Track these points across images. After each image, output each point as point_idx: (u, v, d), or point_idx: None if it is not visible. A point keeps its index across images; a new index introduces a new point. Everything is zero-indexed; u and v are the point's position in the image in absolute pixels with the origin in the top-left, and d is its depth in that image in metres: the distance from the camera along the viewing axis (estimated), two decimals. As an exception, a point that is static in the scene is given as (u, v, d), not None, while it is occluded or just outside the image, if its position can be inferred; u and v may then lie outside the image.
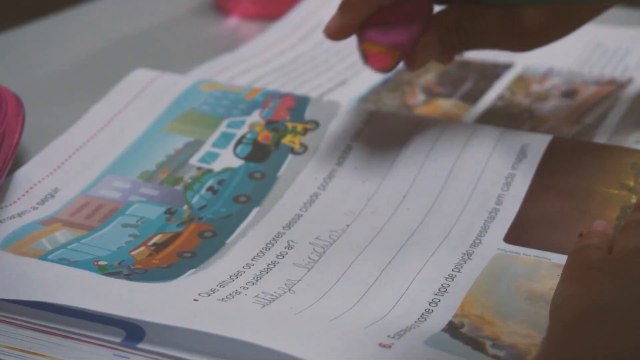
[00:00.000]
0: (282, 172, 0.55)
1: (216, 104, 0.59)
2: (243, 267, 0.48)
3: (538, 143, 0.54)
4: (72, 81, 0.70)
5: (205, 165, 0.55)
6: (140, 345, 0.42)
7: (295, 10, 0.78)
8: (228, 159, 0.56)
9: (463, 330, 0.44)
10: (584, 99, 0.64)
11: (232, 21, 0.80)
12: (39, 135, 0.60)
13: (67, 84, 0.70)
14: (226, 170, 0.55)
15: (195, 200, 0.53)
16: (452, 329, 0.44)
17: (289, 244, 0.50)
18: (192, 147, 0.57)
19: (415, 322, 0.44)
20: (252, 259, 0.49)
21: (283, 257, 0.49)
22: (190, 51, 0.75)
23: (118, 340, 0.43)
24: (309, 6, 0.78)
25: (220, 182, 0.54)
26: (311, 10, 0.78)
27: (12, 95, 0.58)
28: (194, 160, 0.56)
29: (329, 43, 0.74)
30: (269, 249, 0.50)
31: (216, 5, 0.82)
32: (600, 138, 0.59)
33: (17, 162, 0.57)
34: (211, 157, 0.56)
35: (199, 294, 0.46)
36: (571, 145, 0.55)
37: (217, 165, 0.55)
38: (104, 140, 0.57)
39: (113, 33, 0.78)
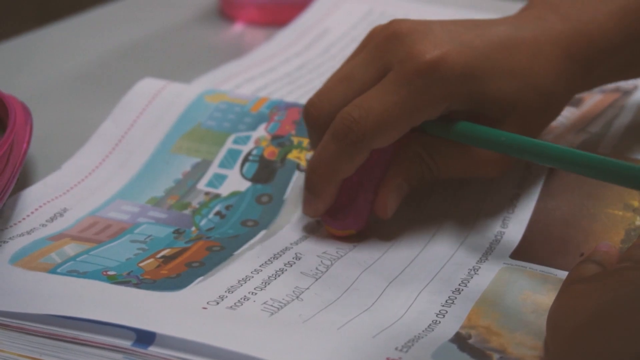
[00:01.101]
0: (288, 193, 0.55)
1: (222, 118, 0.60)
2: (251, 272, 0.49)
3: None
4: (78, 89, 0.70)
5: (213, 190, 0.56)
6: (151, 349, 0.43)
7: (301, 17, 0.78)
8: (235, 182, 0.56)
9: (470, 341, 0.44)
10: (589, 107, 0.64)
11: (238, 28, 0.81)
12: (46, 145, 0.60)
13: (73, 91, 0.70)
14: (234, 194, 0.55)
15: (203, 223, 0.54)
16: (460, 339, 0.44)
17: (296, 255, 0.50)
18: (200, 169, 0.57)
19: (423, 331, 0.44)
20: (260, 266, 0.49)
21: (291, 265, 0.50)
22: (196, 58, 0.75)
23: (128, 344, 0.43)
24: (314, 13, 0.79)
25: (227, 208, 0.54)
26: (317, 18, 0.78)
27: (19, 104, 0.58)
28: (202, 185, 0.56)
29: (335, 50, 0.74)
30: (277, 258, 0.50)
31: (222, 12, 0.82)
32: (606, 147, 0.59)
33: (25, 171, 0.57)
34: (218, 180, 0.56)
35: (207, 302, 0.46)
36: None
37: (224, 190, 0.56)
38: (112, 167, 0.57)
39: (119, 40, 0.78)
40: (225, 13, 0.82)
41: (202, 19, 0.82)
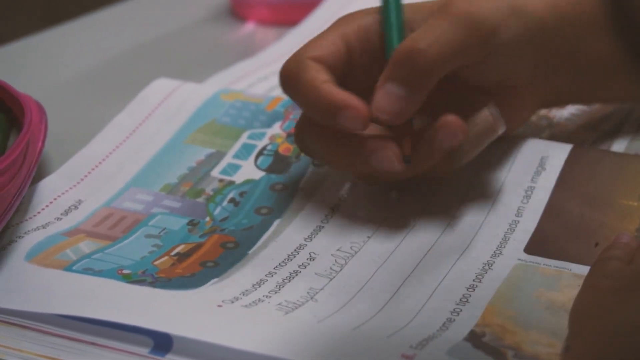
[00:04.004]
0: (303, 184, 0.55)
1: (237, 115, 0.60)
2: (265, 275, 0.49)
3: (557, 154, 0.55)
4: (91, 88, 0.71)
5: (226, 177, 0.56)
6: (169, 356, 0.43)
7: (311, 16, 0.78)
8: (249, 171, 0.56)
9: (485, 339, 0.44)
10: (601, 105, 0.64)
11: (249, 27, 0.81)
12: (60, 143, 0.60)
13: (86, 91, 0.70)
14: (248, 182, 0.55)
15: (217, 212, 0.54)
16: (474, 338, 0.44)
17: (310, 256, 0.50)
18: (214, 158, 0.57)
19: (437, 331, 0.44)
20: (274, 268, 0.49)
21: (305, 267, 0.50)
22: (207, 58, 0.75)
23: (146, 351, 0.43)
24: (325, 12, 0.79)
25: (241, 194, 0.55)
26: (328, 17, 0.78)
27: (35, 103, 0.59)
28: (216, 172, 0.56)
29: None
30: (291, 259, 0.50)
31: (232, 11, 0.82)
32: (619, 145, 0.59)
33: (40, 170, 0.58)
34: (233, 169, 0.56)
35: (222, 301, 0.46)
36: (590, 155, 0.55)
37: (238, 177, 0.56)
38: (126, 153, 0.58)
39: (131, 40, 0.78)
40: (236, 13, 0.82)
41: (213, 18, 0.82)
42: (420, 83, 0.50)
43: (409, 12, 0.53)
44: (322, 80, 0.50)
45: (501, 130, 0.51)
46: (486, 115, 0.51)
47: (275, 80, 0.69)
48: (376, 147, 0.50)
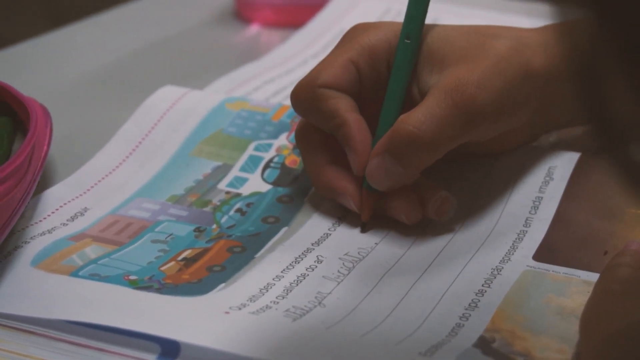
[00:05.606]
0: (309, 196, 0.55)
1: (243, 125, 0.60)
2: (273, 279, 0.48)
3: (565, 164, 0.55)
4: (96, 91, 0.70)
5: (233, 190, 0.56)
6: None
7: (317, 18, 0.78)
8: (256, 184, 0.56)
9: (494, 345, 0.44)
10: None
11: (254, 29, 0.81)
12: (65, 146, 0.60)
13: (91, 93, 0.70)
14: (254, 194, 0.55)
15: (224, 220, 0.53)
16: (484, 344, 0.44)
17: (318, 259, 0.50)
18: (221, 171, 0.57)
19: (446, 336, 0.44)
20: (281, 271, 0.49)
21: (313, 270, 0.49)
22: (212, 60, 0.75)
23: (154, 357, 0.43)
24: (331, 14, 0.78)
25: (248, 205, 0.54)
26: (333, 18, 0.78)
27: (40, 106, 0.58)
28: (222, 185, 0.56)
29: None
30: (299, 262, 0.50)
31: (237, 13, 0.82)
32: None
33: (45, 173, 0.57)
34: (239, 182, 0.56)
35: (229, 308, 0.46)
36: (598, 164, 0.55)
37: (245, 190, 0.56)
38: (133, 166, 0.57)
39: (136, 42, 0.78)
40: (241, 15, 0.82)
41: (218, 20, 0.82)
42: (418, 165, 0.50)
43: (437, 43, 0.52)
44: (344, 109, 0.51)
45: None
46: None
47: (280, 83, 0.69)
48: (345, 192, 0.51)
